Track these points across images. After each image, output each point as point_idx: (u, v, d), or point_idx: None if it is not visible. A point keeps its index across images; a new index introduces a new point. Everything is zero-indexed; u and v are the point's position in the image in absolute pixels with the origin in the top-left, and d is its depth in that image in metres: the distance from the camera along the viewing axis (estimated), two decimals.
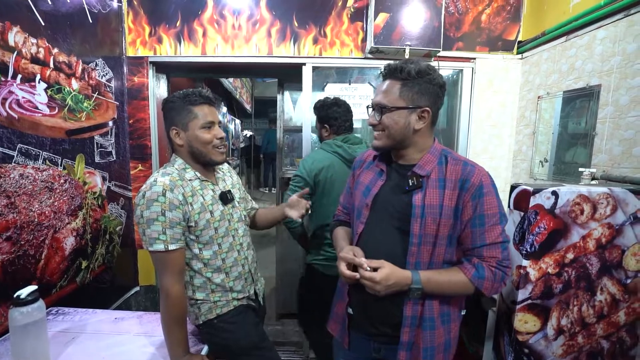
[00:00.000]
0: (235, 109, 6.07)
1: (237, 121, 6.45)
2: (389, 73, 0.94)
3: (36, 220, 1.31)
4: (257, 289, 1.28)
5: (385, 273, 0.87)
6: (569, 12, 1.58)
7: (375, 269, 0.89)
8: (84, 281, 1.59)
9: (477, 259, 0.91)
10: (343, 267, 0.93)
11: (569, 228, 1.12)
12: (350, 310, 1.05)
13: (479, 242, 0.90)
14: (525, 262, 1.13)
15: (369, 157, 1.10)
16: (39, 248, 1.33)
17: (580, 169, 1.35)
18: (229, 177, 1.28)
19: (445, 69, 1.99)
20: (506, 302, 1.21)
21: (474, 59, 1.91)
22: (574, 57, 1.54)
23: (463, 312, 1.07)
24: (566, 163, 1.62)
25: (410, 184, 0.94)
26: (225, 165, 1.32)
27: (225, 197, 1.17)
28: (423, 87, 0.91)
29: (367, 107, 1.02)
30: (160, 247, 1.01)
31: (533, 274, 1.14)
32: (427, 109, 0.91)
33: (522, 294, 1.15)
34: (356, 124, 2.12)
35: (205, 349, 1.16)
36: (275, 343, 2.36)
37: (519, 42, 1.89)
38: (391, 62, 0.95)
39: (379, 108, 0.95)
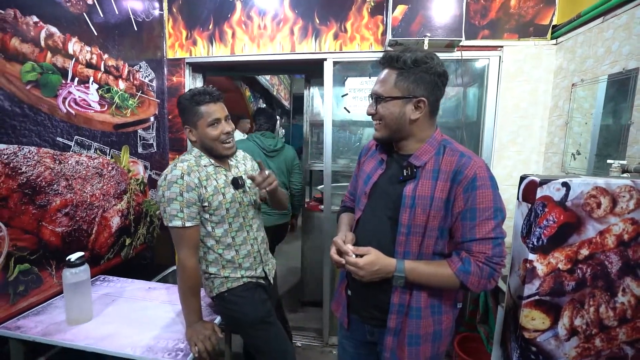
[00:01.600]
0: (275, 105, 6.30)
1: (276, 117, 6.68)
2: (386, 62, 0.94)
3: (88, 200, 1.55)
4: (266, 269, 1.38)
5: (369, 259, 0.90)
6: None
7: (362, 256, 0.91)
8: (128, 256, 1.84)
9: (465, 253, 0.89)
10: (332, 251, 0.98)
11: (583, 222, 1.05)
12: (349, 292, 1.10)
13: (468, 236, 0.88)
14: (531, 256, 1.08)
15: (373, 145, 1.11)
16: (91, 224, 1.58)
17: (609, 161, 1.24)
18: (242, 164, 1.38)
19: (469, 59, 1.92)
20: (513, 297, 1.17)
21: (501, 47, 1.81)
22: (610, 39, 1.40)
23: (459, 306, 1.06)
24: (606, 156, 1.48)
25: (405, 174, 0.95)
26: (241, 154, 1.43)
27: (237, 183, 1.29)
28: (419, 77, 0.90)
29: (369, 96, 1.02)
30: (178, 223, 1.15)
31: (541, 268, 1.08)
32: (423, 98, 0.91)
33: (528, 289, 1.09)
34: None
35: (218, 319, 1.29)
36: (297, 329, 2.46)
37: (554, 26, 1.75)
38: (391, 51, 0.96)
39: (375, 97, 0.97)
